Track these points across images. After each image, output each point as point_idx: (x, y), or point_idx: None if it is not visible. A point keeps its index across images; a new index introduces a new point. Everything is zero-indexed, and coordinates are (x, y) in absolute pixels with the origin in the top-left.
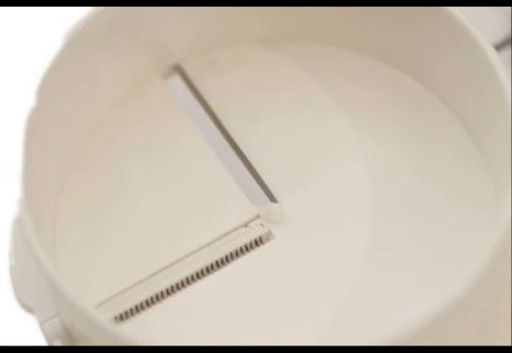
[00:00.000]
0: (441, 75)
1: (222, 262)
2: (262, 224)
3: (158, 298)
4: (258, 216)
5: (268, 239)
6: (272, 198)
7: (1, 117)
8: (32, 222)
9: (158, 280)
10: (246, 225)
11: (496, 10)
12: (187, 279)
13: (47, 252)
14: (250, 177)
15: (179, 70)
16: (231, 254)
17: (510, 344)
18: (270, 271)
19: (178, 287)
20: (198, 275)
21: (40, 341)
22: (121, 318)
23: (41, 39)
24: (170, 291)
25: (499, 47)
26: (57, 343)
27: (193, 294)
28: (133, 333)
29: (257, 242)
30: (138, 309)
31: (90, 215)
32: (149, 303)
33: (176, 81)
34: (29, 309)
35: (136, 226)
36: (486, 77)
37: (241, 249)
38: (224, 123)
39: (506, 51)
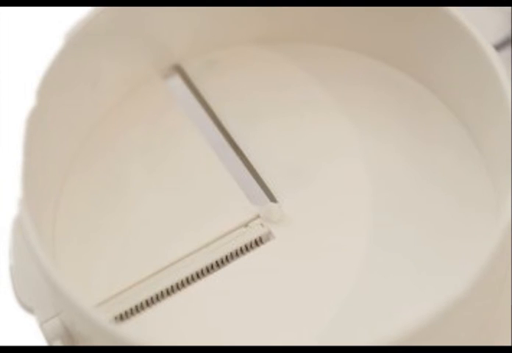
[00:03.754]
0: (441, 75)
1: (222, 262)
2: (262, 224)
3: (158, 298)
4: (258, 216)
5: (268, 239)
6: (272, 198)
7: (1, 117)
8: (32, 222)
9: (158, 280)
10: (246, 225)
11: (496, 10)
12: (187, 279)
13: (47, 252)
14: (250, 177)
15: (179, 70)
16: (231, 254)
17: (510, 344)
18: (270, 271)
19: (178, 287)
20: (198, 275)
21: (40, 341)
22: (121, 318)
23: (41, 39)
24: (170, 291)
25: (499, 47)
26: (57, 343)
27: (193, 294)
28: (133, 333)
29: (257, 242)
30: (138, 309)
31: (90, 215)
32: (149, 303)
33: (176, 81)
34: (29, 309)
35: (136, 226)
36: (486, 77)
37: (241, 249)
38: (224, 123)
39: (506, 51)
